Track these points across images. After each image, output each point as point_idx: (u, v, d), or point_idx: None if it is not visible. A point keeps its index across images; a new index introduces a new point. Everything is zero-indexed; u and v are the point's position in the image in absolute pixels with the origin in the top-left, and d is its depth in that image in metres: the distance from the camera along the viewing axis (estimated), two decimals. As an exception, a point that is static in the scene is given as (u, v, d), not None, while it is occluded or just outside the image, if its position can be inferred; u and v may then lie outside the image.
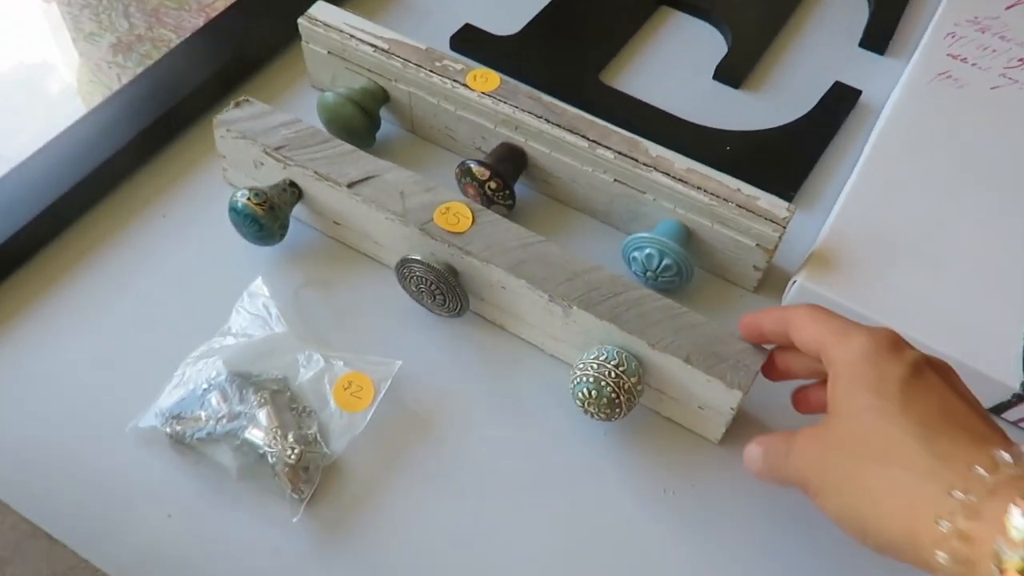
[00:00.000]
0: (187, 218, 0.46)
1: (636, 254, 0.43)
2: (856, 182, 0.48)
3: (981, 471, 0.26)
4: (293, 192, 0.43)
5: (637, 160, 0.44)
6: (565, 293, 0.38)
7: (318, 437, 0.37)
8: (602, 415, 0.37)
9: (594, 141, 0.44)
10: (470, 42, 0.56)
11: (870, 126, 0.53)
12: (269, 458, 0.36)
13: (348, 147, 0.43)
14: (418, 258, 0.40)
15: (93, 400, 0.38)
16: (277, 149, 0.42)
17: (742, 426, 0.39)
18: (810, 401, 0.37)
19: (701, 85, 0.56)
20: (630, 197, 0.45)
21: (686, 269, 0.43)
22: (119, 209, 0.46)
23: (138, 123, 0.47)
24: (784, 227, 0.42)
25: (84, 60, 0.52)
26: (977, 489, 0.26)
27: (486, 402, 0.40)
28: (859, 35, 0.59)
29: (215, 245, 0.44)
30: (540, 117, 0.45)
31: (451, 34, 0.56)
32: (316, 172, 0.42)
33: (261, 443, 0.36)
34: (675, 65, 0.57)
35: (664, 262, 0.42)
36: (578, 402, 0.37)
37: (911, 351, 0.31)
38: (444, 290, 0.41)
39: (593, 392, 0.36)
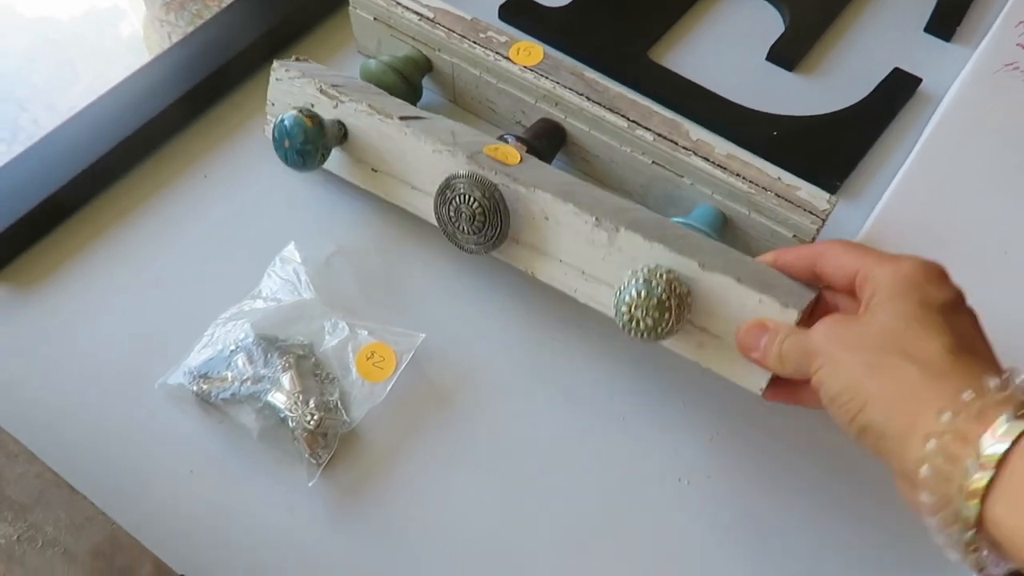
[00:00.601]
0: (227, 180, 0.46)
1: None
2: (905, 175, 0.46)
3: (992, 384, 0.27)
4: (339, 129, 0.42)
5: (677, 143, 0.43)
6: (612, 217, 0.36)
7: (339, 404, 0.38)
8: (647, 322, 0.34)
9: (634, 121, 0.43)
10: (520, 12, 0.55)
11: (929, 116, 0.51)
12: (290, 422, 0.37)
13: (400, 101, 0.44)
14: (465, 172, 0.38)
15: (126, 355, 0.40)
16: (333, 86, 0.42)
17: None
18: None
19: (753, 66, 0.54)
20: (668, 180, 0.44)
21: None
22: (163, 168, 0.46)
23: (185, 83, 0.47)
24: (824, 219, 0.41)
25: (141, 15, 0.53)
26: (985, 398, 0.26)
27: (509, 377, 0.40)
28: (925, 19, 0.57)
29: (253, 208, 0.45)
30: (581, 94, 0.44)
31: (501, 3, 0.55)
32: (370, 105, 0.41)
33: (283, 407, 0.37)
34: (728, 44, 0.55)
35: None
36: (623, 309, 0.34)
37: (955, 285, 0.32)
38: (486, 209, 0.38)
39: (643, 293, 0.34)
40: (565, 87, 0.45)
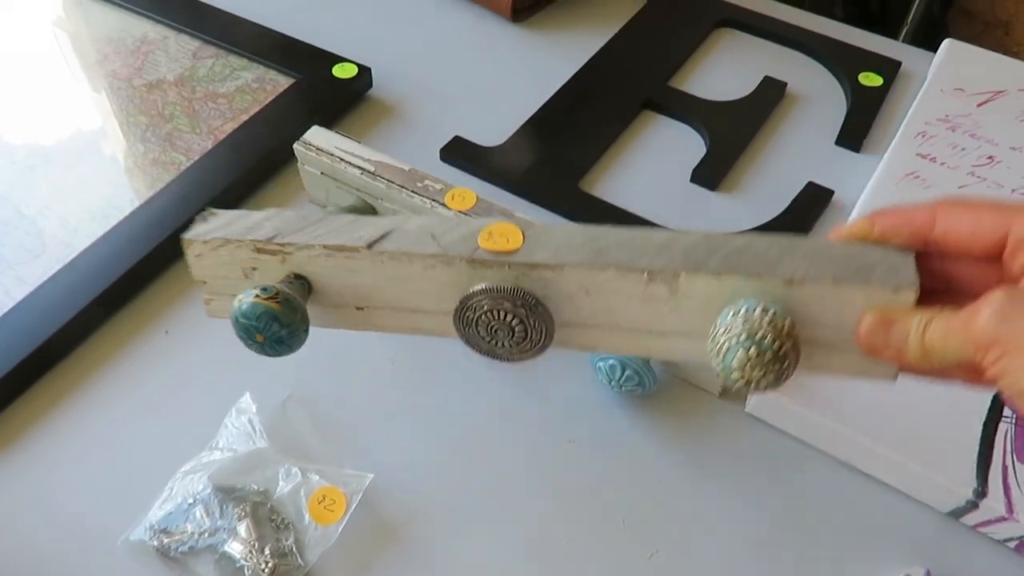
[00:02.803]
0: (187, 334, 0.49)
1: (601, 364, 0.45)
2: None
3: None
4: (301, 284, 0.36)
5: (601, 275, 0.46)
6: (664, 266, 0.32)
7: (294, 549, 0.40)
8: (769, 379, 0.30)
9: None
10: (459, 153, 0.59)
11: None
12: (246, 572, 0.39)
13: (349, 216, 0.37)
14: (483, 287, 0.34)
15: (90, 513, 0.42)
16: (270, 240, 0.36)
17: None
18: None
19: (679, 188, 0.58)
20: (597, 308, 0.47)
21: (647, 377, 0.45)
22: (125, 326, 0.49)
23: (147, 244, 0.51)
24: (739, 339, 0.44)
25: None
26: None
27: (457, 510, 0.42)
28: (836, 133, 0.61)
29: (212, 360, 0.48)
30: (511, 234, 0.48)
31: (441, 146, 0.59)
32: (325, 246, 0.35)
33: (239, 556, 0.39)
34: (655, 168, 0.59)
35: (626, 372, 0.45)
36: (735, 375, 0.30)
37: None
38: (524, 315, 0.34)
39: (753, 350, 0.30)
40: (496, 229, 0.48)
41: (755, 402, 0.46)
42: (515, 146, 0.60)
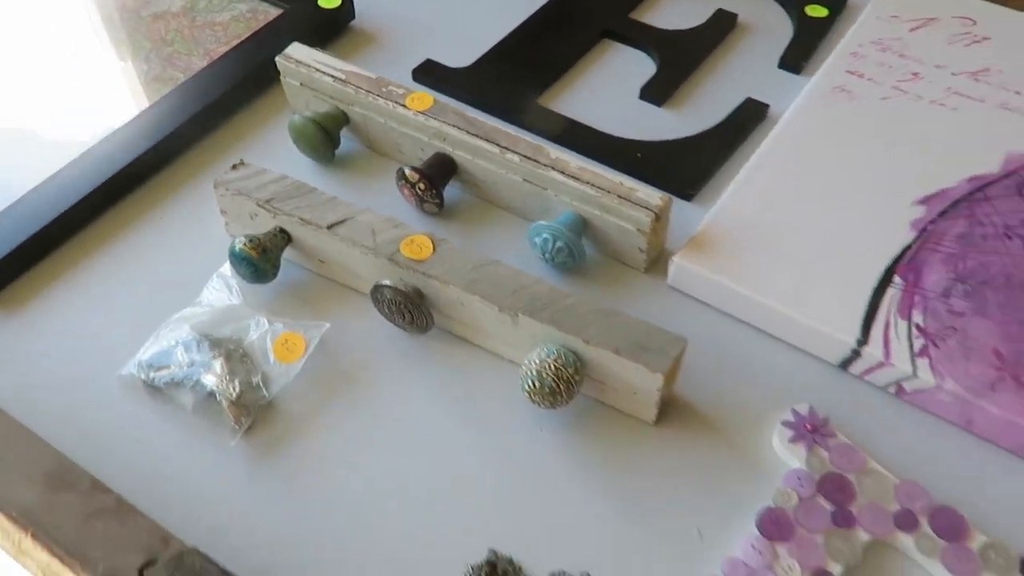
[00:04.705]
0: (180, 220, 0.56)
1: (536, 239, 0.51)
2: (739, 179, 0.55)
3: None
4: (283, 237, 0.50)
5: (539, 162, 0.52)
6: (512, 304, 0.45)
7: (259, 383, 0.46)
8: (546, 403, 0.44)
9: (505, 147, 0.53)
10: (430, 73, 0.65)
11: (771, 134, 0.60)
12: (217, 396, 0.45)
13: (327, 196, 0.50)
14: (388, 283, 0.47)
15: (88, 358, 0.49)
16: (267, 201, 0.50)
17: (675, 409, 0.47)
18: None
19: (629, 104, 0.64)
20: (537, 193, 0.53)
21: (576, 250, 0.51)
22: (127, 212, 0.56)
23: (146, 145, 0.58)
24: (657, 213, 0.49)
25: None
26: None
27: (403, 362, 0.49)
28: (779, 57, 0.67)
29: (200, 239, 0.54)
30: (462, 129, 0.54)
31: (413, 68, 0.66)
32: (300, 218, 0.49)
33: (212, 385, 0.46)
34: (609, 87, 0.65)
35: (557, 245, 0.50)
36: (525, 394, 0.44)
37: None
38: (411, 308, 0.48)
39: (536, 383, 0.43)
40: (450, 125, 0.54)
41: (674, 275, 0.51)
42: (481, 68, 0.66)
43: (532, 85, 0.65)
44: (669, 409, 0.47)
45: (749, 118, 0.62)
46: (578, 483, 0.44)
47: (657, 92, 0.64)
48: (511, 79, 0.65)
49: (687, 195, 0.57)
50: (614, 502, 0.43)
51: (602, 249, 0.54)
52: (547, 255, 0.51)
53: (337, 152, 0.59)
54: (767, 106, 0.62)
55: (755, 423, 0.46)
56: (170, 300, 0.50)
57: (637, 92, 0.65)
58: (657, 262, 0.53)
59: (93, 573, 0.32)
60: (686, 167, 0.58)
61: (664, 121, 0.63)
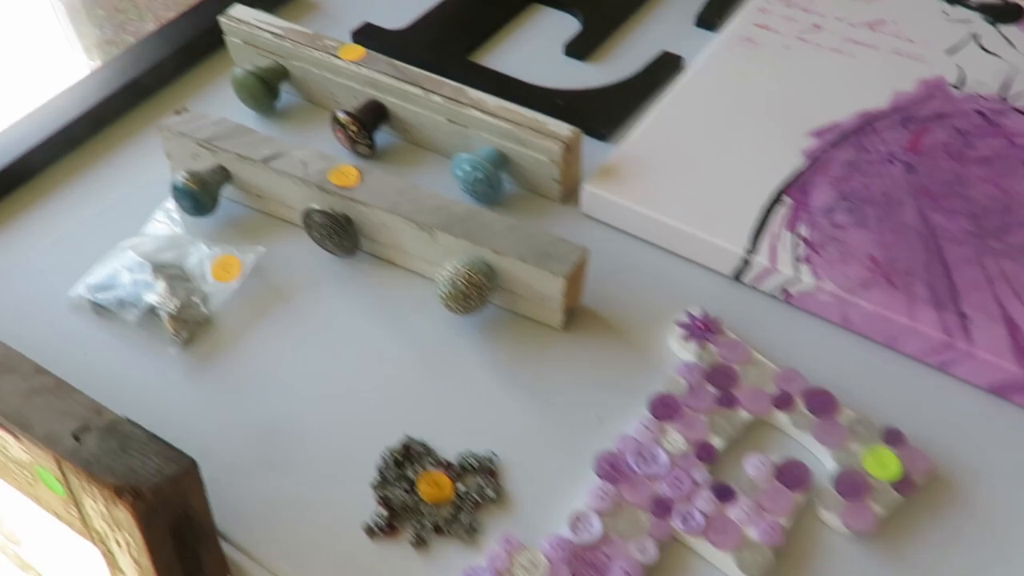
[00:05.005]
0: (133, 167, 0.60)
1: (458, 171, 0.56)
2: (649, 118, 0.59)
3: None
4: (222, 173, 0.54)
5: (460, 102, 0.56)
6: (429, 222, 0.50)
7: (198, 301, 0.50)
8: (459, 308, 0.47)
9: (428, 89, 0.57)
10: (369, 36, 0.70)
11: (683, 82, 0.64)
12: (158, 311, 0.49)
13: (264, 136, 0.54)
14: (317, 207, 0.51)
15: (47, 277, 0.53)
16: (207, 141, 0.54)
17: (582, 318, 0.51)
18: None
19: (554, 61, 0.68)
20: (460, 133, 0.57)
21: (494, 181, 0.55)
22: (86, 156, 0.60)
23: (101, 96, 0.62)
24: (566, 143, 0.54)
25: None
26: None
27: (335, 280, 0.53)
28: (696, 16, 0.71)
29: (148, 182, 0.58)
30: (391, 76, 0.58)
31: (353, 30, 0.70)
32: (238, 154, 0.53)
33: (153, 302, 0.49)
34: (535, 46, 0.70)
35: (476, 175, 0.55)
36: (441, 300, 0.47)
37: None
38: (339, 231, 0.52)
39: (450, 289, 0.47)
40: (379, 72, 0.58)
41: (586, 202, 0.56)
42: (417, 30, 0.70)
43: (464, 45, 0.69)
44: (577, 317, 0.51)
45: (664, 69, 0.66)
46: (489, 381, 0.48)
47: (581, 48, 0.69)
48: (445, 39, 0.69)
49: (603, 136, 0.61)
50: (522, 396, 0.47)
51: (522, 184, 0.58)
52: (468, 186, 0.56)
53: (278, 106, 0.64)
54: (681, 58, 0.67)
55: (655, 327, 0.50)
56: (117, 233, 0.54)
57: (563, 49, 0.69)
58: (573, 194, 0.57)
59: (32, 436, 0.36)
60: (603, 112, 0.63)
61: (587, 74, 0.67)
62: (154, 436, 0.37)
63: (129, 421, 0.37)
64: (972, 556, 0.41)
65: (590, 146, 0.59)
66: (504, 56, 0.69)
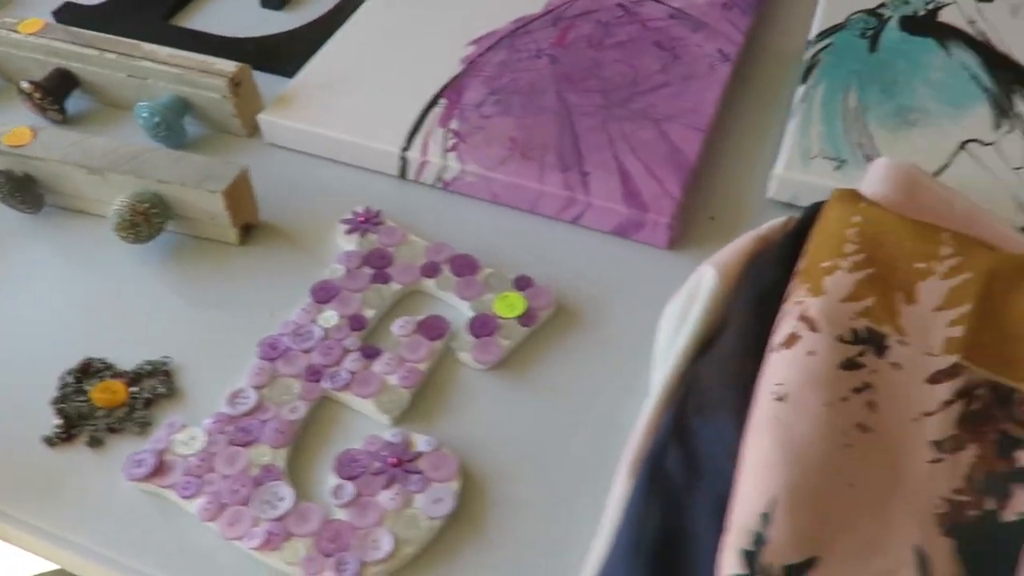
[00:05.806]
0: None
1: (139, 120, 0.59)
2: (322, 50, 0.64)
3: None
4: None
5: (134, 56, 0.60)
6: (99, 165, 0.52)
7: None
8: (131, 236, 0.51)
9: (103, 49, 0.60)
10: (68, 14, 0.72)
11: (367, 16, 0.69)
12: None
13: None
14: None
15: None
16: None
17: (260, 233, 0.55)
18: None
19: (252, 14, 0.72)
20: (142, 86, 0.61)
21: (173, 123, 0.59)
22: None
23: None
24: (232, 78, 0.58)
25: None
26: None
27: (43, 252, 0.55)
28: None
29: None
30: (66, 41, 0.61)
31: (53, 10, 0.72)
32: None
33: None
34: (235, 4, 0.73)
35: (155, 119, 0.58)
36: (114, 233, 0.51)
37: None
38: (20, 188, 0.54)
39: (119, 220, 0.51)
40: (55, 39, 0.61)
41: (265, 131, 0.60)
42: (114, 3, 0.73)
43: (162, 12, 0.72)
44: (256, 233, 0.55)
45: (347, 8, 0.71)
46: (172, 299, 0.52)
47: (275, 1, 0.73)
48: (144, 8, 0.72)
49: (290, 74, 0.65)
50: (201, 307, 0.51)
51: (209, 124, 0.62)
52: (151, 132, 0.59)
53: (-24, 89, 0.65)
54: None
55: (326, 230, 0.55)
56: None
57: (260, 3, 0.73)
58: (258, 128, 0.62)
59: None
60: (289, 52, 0.67)
61: (283, 22, 0.71)
62: None
63: None
64: (587, 369, 0.47)
65: (279, 84, 0.63)
66: (204, 17, 0.72)
